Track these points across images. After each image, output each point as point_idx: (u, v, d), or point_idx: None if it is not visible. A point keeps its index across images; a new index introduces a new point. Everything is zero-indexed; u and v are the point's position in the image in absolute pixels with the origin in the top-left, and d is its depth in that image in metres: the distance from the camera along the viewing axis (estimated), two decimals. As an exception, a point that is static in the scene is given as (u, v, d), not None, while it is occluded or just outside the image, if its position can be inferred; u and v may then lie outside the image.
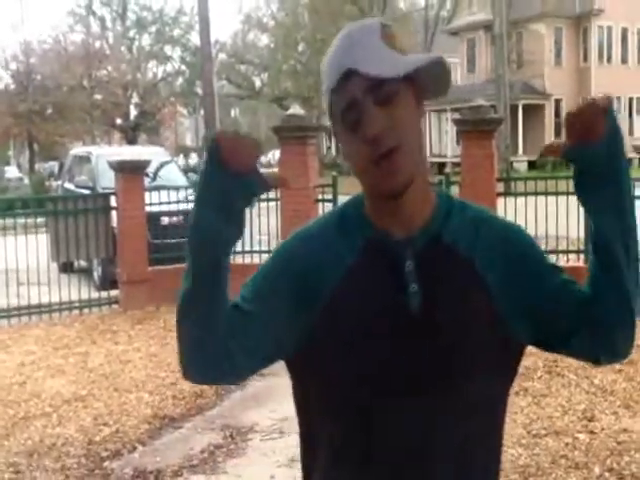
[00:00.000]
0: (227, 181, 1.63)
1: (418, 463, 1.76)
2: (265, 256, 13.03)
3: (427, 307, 1.75)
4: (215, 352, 1.73)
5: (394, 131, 1.70)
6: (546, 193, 11.74)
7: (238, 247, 13.36)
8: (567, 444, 6.52)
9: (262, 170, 1.68)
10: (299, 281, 1.81)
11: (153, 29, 64.23)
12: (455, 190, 11.83)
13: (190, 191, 14.69)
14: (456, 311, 1.76)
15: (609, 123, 1.68)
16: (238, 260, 13.32)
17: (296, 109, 13.22)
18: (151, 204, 12.88)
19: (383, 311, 1.76)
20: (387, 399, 1.75)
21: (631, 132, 54.98)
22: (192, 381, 1.85)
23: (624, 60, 55.94)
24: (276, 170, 1.58)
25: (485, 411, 1.81)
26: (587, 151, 1.70)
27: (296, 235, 1.93)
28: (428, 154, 55.85)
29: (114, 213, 12.69)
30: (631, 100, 55.89)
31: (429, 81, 1.79)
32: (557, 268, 1.96)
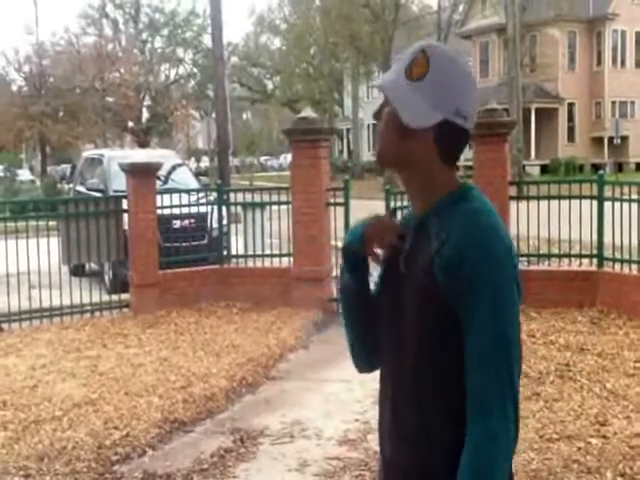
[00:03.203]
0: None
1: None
2: (276, 260, 13.03)
3: (406, 268, 2.32)
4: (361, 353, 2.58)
5: (379, 137, 2.36)
6: (559, 197, 11.68)
7: (250, 251, 13.35)
8: (579, 449, 6.48)
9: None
10: None
11: (165, 31, 64.41)
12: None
13: (201, 194, 14.66)
14: (416, 273, 2.26)
15: None
16: (249, 264, 13.30)
17: (308, 112, 13.18)
18: (162, 207, 12.84)
19: (394, 268, 2.38)
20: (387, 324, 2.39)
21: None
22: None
23: (638, 64, 55.74)
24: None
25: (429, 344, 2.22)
26: None
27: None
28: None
29: (126, 216, 12.67)
30: (644, 104, 55.71)
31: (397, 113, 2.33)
32: (482, 328, 2.13)
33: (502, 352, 2.09)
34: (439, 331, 2.18)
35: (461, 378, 2.14)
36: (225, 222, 13.57)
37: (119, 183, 14.16)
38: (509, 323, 2.11)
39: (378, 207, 9.73)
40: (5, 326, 11.78)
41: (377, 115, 2.35)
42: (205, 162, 65.48)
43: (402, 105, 2.23)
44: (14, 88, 56.95)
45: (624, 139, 48.37)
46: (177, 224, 14.13)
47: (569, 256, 12.13)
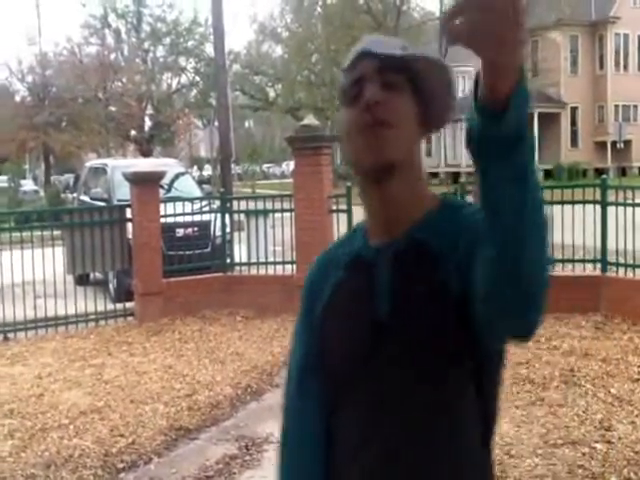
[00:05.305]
0: None
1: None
2: (279, 267, 13.06)
3: (394, 313, 1.82)
4: None
5: (389, 109, 1.79)
6: (562, 202, 11.69)
7: (253, 258, 13.38)
8: (584, 454, 6.48)
9: None
10: (307, 300, 2.08)
11: (167, 40, 64.37)
12: (469, 199, 11.79)
13: (204, 203, 14.70)
14: (419, 315, 1.77)
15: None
16: (253, 272, 13.32)
17: (310, 120, 13.22)
18: (166, 216, 12.88)
19: (357, 322, 1.89)
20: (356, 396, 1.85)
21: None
22: None
23: (641, 68, 55.79)
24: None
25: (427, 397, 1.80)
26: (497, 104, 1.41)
27: (315, 259, 2.23)
28: (442, 164, 55.75)
29: (129, 225, 12.70)
30: (648, 108, 55.71)
31: (432, 95, 1.86)
32: None
33: None
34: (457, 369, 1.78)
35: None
36: (228, 230, 13.60)
37: (123, 192, 14.20)
38: None
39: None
40: (11, 335, 11.82)
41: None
42: (208, 170, 65.51)
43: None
44: (17, 99, 57.13)
45: (627, 143, 48.40)
46: (180, 232, 14.16)
47: (573, 261, 12.12)
